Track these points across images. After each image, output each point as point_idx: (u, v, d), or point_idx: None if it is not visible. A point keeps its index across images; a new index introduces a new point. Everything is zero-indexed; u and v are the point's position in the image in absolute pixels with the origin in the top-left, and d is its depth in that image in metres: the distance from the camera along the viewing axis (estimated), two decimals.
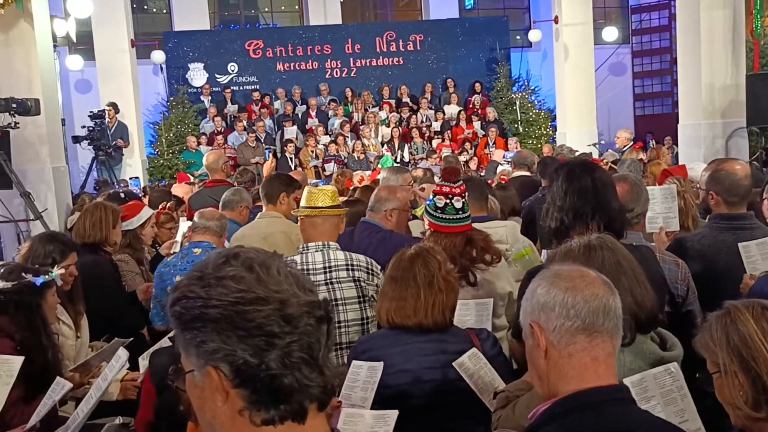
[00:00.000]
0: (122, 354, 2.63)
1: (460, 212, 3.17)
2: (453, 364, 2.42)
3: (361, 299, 3.19)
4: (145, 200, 7.05)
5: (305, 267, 3.17)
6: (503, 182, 6.52)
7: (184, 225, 4.96)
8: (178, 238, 4.81)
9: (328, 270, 3.18)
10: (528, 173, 7.04)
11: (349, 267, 3.21)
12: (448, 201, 3.16)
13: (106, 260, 4.07)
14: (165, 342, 3.21)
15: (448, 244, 3.10)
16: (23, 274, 2.90)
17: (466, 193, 3.25)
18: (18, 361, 2.65)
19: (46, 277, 2.92)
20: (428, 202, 3.28)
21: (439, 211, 3.18)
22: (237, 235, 4.59)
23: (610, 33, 17.61)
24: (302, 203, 3.38)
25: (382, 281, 3.11)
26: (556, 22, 14.24)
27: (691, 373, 2.28)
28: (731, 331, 1.76)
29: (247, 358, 1.15)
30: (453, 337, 2.56)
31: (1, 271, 2.97)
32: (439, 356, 2.50)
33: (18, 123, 7.10)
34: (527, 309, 1.65)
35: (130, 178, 12.05)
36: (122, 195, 5.97)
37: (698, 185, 3.84)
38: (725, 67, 9.50)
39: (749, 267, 3.07)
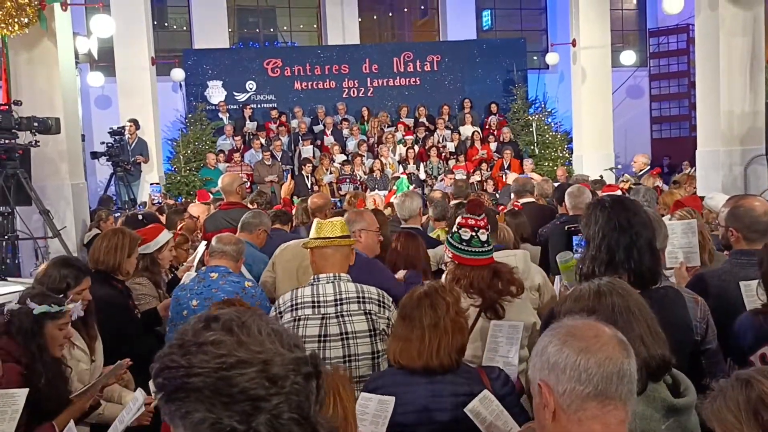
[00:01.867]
0: (139, 396, 2.61)
1: (485, 245, 3.17)
2: (465, 410, 2.38)
3: (372, 332, 3.14)
4: (162, 218, 7.12)
5: (316, 299, 3.14)
6: (516, 209, 6.49)
7: (200, 248, 4.98)
8: (195, 261, 4.83)
9: (339, 303, 3.14)
10: (532, 198, 7.01)
11: (361, 299, 3.17)
12: (474, 234, 3.16)
13: (118, 291, 4.03)
14: None
15: (474, 277, 3.11)
16: (28, 300, 2.90)
17: (489, 226, 3.26)
18: (23, 393, 2.61)
19: (51, 307, 2.89)
20: (452, 234, 3.27)
21: (464, 243, 3.17)
22: (290, 244, 4.67)
23: (628, 56, 17.59)
24: (312, 234, 3.35)
25: (393, 314, 3.11)
26: (574, 45, 14.24)
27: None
28: (760, 407, 1.54)
29: (234, 425, 1.11)
30: (462, 378, 2.54)
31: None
32: (448, 398, 2.48)
33: (39, 141, 7.20)
34: (536, 365, 1.58)
35: (151, 184, 12.06)
36: (140, 217, 5.98)
37: (716, 220, 3.82)
38: (744, 94, 9.45)
39: (749, 305, 3.05)
